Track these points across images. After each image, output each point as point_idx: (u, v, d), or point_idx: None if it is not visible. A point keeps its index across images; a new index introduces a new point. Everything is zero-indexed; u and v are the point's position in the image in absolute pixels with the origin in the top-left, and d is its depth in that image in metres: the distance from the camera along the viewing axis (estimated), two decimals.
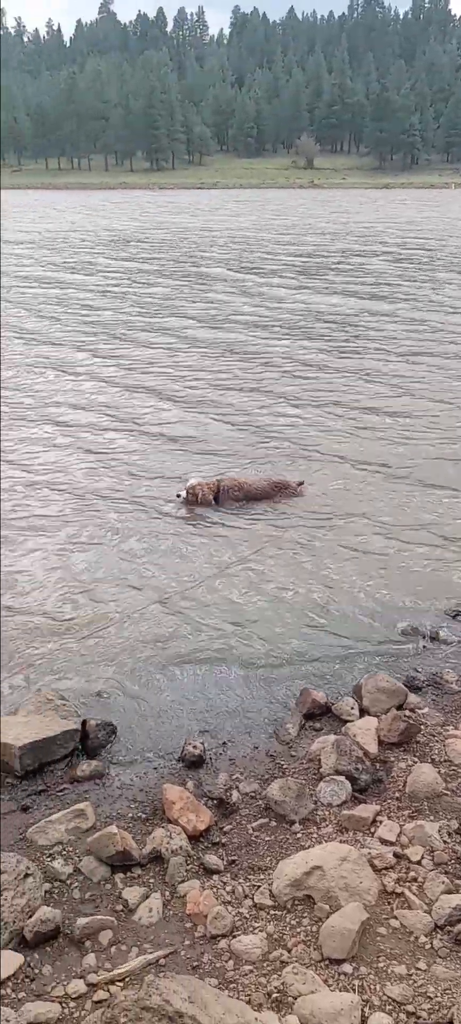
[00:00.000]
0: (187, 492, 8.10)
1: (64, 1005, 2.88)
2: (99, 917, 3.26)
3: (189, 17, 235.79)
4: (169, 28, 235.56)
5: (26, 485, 8.67)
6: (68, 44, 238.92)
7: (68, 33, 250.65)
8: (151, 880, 3.53)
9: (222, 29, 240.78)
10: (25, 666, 5.43)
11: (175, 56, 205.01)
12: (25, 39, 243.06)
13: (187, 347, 15.40)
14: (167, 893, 3.44)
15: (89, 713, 4.80)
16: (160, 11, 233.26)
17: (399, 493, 8.34)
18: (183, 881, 3.49)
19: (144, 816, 3.97)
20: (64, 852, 3.68)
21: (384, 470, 8.97)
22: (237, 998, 2.74)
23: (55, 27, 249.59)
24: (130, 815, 3.99)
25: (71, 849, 3.70)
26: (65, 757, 4.48)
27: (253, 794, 4.12)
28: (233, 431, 10.46)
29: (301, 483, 8.47)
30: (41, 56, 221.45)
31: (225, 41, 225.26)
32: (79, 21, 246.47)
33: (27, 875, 3.30)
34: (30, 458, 9.52)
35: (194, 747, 4.42)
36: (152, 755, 4.55)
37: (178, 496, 8.15)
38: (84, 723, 4.59)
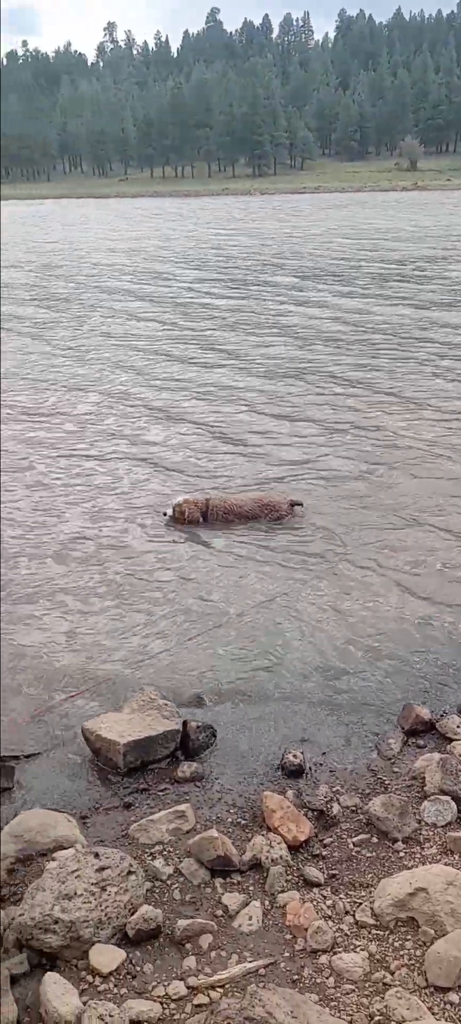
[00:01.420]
0: (174, 510, 7.91)
1: (165, 1006, 2.90)
2: (199, 920, 3.28)
3: (295, 23, 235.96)
4: (274, 35, 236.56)
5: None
6: (175, 55, 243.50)
7: (175, 44, 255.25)
8: (250, 887, 3.53)
9: (327, 33, 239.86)
10: (129, 664, 5.55)
11: (279, 62, 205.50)
12: (134, 52, 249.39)
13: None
14: (266, 902, 3.43)
15: (189, 715, 4.84)
16: (265, 18, 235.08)
17: None
18: (283, 891, 3.46)
19: (243, 822, 3.97)
20: (165, 852, 3.72)
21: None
22: (338, 1017, 2.69)
23: (163, 39, 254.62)
24: (229, 820, 4.00)
25: (172, 850, 3.74)
26: (166, 757, 4.54)
27: (354, 808, 4.05)
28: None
29: (298, 504, 8.11)
30: (149, 68, 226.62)
31: (330, 45, 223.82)
32: (186, 31, 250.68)
33: (130, 872, 3.35)
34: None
35: (294, 756, 4.39)
36: (251, 761, 4.55)
37: (164, 515, 7.96)
38: (185, 724, 4.63)
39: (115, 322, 19.50)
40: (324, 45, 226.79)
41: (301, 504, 8.14)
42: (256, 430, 10.80)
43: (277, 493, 8.39)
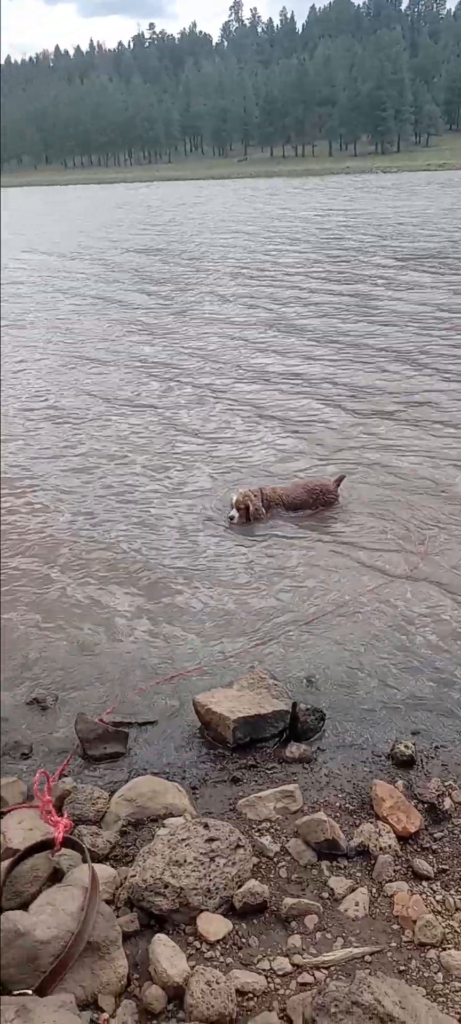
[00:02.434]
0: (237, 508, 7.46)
1: (270, 980, 2.94)
2: (305, 900, 3.30)
3: None
4: (404, 5, 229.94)
5: None
6: (300, 31, 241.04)
7: (301, 20, 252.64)
8: (357, 874, 3.51)
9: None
10: (239, 643, 5.62)
11: (408, 34, 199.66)
12: (259, 30, 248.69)
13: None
14: (373, 890, 3.40)
15: (298, 697, 4.85)
16: None
17: None
18: (390, 881, 3.43)
19: (351, 808, 3.95)
20: (272, 830, 3.75)
21: None
22: (448, 1014, 2.64)
23: (289, 15, 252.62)
24: (337, 804, 3.98)
25: (279, 828, 3.77)
26: (274, 736, 4.57)
27: None
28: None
29: (342, 478, 7.87)
30: (273, 45, 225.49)
31: None
32: (312, 6, 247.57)
33: (239, 846, 3.41)
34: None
35: (405, 747, 4.32)
36: (360, 748, 4.51)
37: (230, 519, 7.48)
38: (295, 706, 4.65)
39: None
40: (457, 14, 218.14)
41: (345, 477, 7.92)
42: None
43: (321, 477, 8.19)
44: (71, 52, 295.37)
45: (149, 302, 20.46)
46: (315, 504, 7.69)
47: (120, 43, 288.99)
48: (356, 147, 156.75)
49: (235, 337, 15.69)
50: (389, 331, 15.39)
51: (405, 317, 16.55)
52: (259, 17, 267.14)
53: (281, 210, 50.21)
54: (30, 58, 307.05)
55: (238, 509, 7.44)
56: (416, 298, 18.75)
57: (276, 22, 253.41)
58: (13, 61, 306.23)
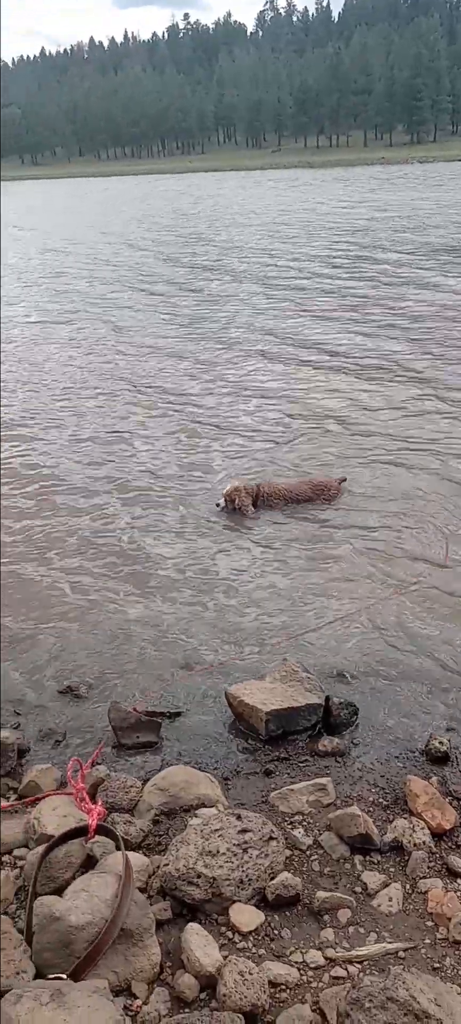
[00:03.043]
0: (225, 499, 7.74)
1: (302, 972, 2.93)
2: (338, 894, 3.28)
3: None
4: None
5: None
6: (336, 19, 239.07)
7: (337, 8, 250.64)
8: (391, 869, 3.49)
9: None
10: (269, 636, 5.61)
11: (446, 21, 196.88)
12: (294, 19, 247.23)
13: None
14: (407, 886, 3.38)
15: (331, 691, 4.82)
16: None
17: None
18: (425, 878, 3.40)
19: (384, 803, 3.92)
20: (305, 823, 3.75)
21: None
22: None
23: (324, 3, 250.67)
24: (370, 799, 3.96)
25: (312, 821, 3.76)
26: (307, 729, 4.55)
27: None
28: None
29: (343, 480, 8.04)
30: (308, 34, 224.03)
31: None
32: None
33: (271, 838, 3.40)
34: None
35: (440, 743, 4.27)
36: (394, 743, 4.48)
37: (217, 505, 7.80)
38: (328, 699, 4.62)
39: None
40: None
41: (345, 479, 8.11)
42: None
43: (324, 476, 8.28)
44: (106, 43, 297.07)
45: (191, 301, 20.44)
46: (317, 499, 7.85)
47: (154, 34, 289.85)
48: (391, 137, 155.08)
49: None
50: None
51: None
52: (294, 6, 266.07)
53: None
54: (64, 50, 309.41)
55: (226, 500, 7.76)
56: None
57: (311, 10, 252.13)
58: (48, 53, 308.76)
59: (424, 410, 10.35)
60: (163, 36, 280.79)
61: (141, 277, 23.58)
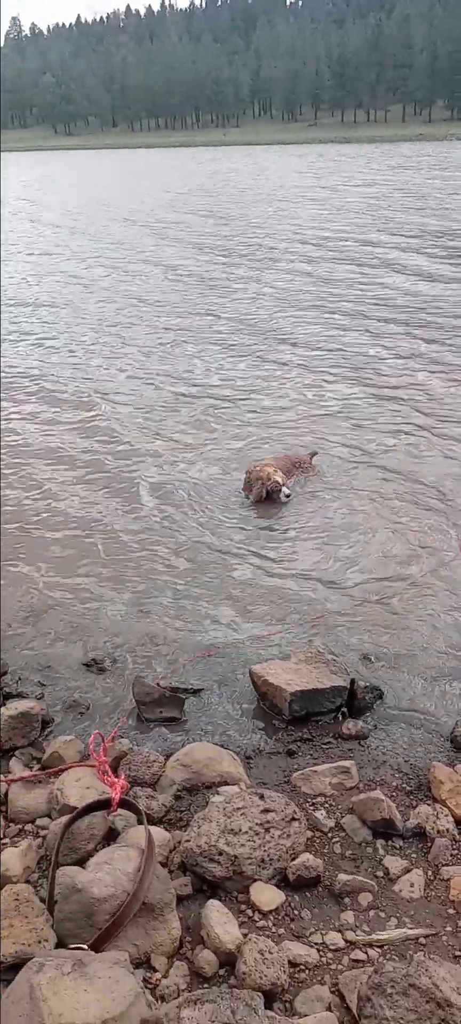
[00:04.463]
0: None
1: (322, 954, 2.94)
2: (359, 878, 3.28)
3: None
4: None
5: None
6: None
7: None
8: (413, 855, 3.47)
9: None
10: (294, 614, 5.59)
11: None
12: None
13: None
14: (429, 873, 3.36)
15: (354, 673, 4.79)
16: None
17: None
18: (447, 865, 3.37)
19: (408, 789, 3.90)
20: (327, 805, 3.74)
21: None
22: None
23: None
24: (393, 784, 3.94)
25: (334, 804, 3.74)
26: (331, 711, 4.53)
27: None
28: None
29: (315, 453, 8.21)
30: (349, 4, 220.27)
31: None
32: None
33: (294, 819, 3.40)
34: None
35: None
36: (418, 728, 4.44)
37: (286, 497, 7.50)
38: (353, 682, 4.60)
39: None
40: None
41: (317, 453, 8.26)
42: None
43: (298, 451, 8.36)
44: (142, 11, 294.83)
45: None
46: (296, 473, 7.94)
47: (192, 2, 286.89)
48: (431, 112, 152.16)
49: None
50: None
51: None
52: None
53: None
54: (101, 18, 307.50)
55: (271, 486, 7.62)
56: None
57: None
58: (84, 20, 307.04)
59: None
60: (201, 4, 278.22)
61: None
